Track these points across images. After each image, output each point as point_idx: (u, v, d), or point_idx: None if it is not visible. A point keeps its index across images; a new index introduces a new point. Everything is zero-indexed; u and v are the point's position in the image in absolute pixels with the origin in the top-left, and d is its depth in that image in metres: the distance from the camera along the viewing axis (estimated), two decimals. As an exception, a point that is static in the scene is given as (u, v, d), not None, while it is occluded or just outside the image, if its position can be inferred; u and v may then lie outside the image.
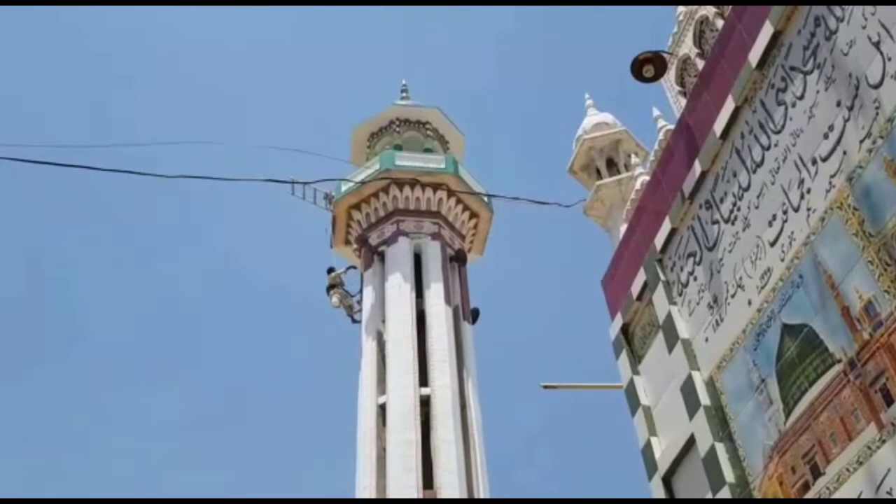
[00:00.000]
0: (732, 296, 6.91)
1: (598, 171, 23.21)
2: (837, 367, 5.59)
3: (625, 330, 8.87)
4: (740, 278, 6.81)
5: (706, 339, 7.25)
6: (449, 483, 19.53)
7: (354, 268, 25.75)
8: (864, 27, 5.45)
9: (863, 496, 5.27)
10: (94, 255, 65.95)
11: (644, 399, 8.32)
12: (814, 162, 5.96)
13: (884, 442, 5.13)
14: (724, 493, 6.62)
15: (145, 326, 64.41)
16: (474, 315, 24.86)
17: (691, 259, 7.62)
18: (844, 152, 5.62)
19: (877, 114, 5.30)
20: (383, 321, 23.08)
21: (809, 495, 5.80)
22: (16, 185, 58.79)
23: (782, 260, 6.26)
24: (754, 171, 6.70)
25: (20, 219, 61.23)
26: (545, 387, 14.87)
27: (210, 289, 65.95)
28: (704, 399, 7.07)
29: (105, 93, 63.31)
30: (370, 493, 19.83)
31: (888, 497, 5.05)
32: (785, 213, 6.28)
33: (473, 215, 26.50)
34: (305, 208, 25.49)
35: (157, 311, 63.43)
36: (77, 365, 63.46)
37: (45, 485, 50.57)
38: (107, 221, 64.72)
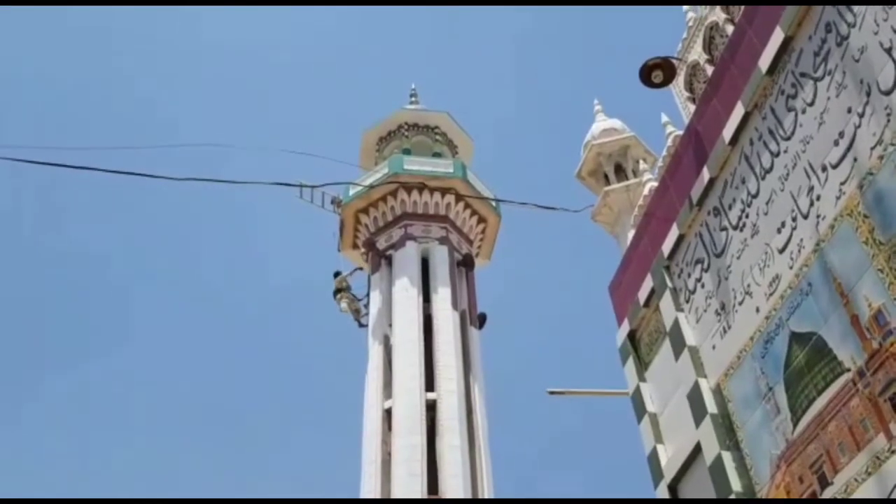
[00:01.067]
0: (740, 303, 6.85)
1: (607, 177, 23.22)
2: (846, 376, 5.53)
3: (631, 336, 8.82)
4: (748, 285, 6.75)
5: (713, 347, 7.20)
6: (454, 488, 19.46)
7: (361, 269, 25.71)
8: (875, 33, 5.40)
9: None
10: (101, 254, 66.23)
11: (650, 406, 8.27)
12: (824, 169, 5.90)
13: (893, 452, 5.07)
14: (731, 502, 6.57)
15: (149, 327, 64.61)
16: (481, 320, 24.79)
17: (699, 266, 7.57)
18: (855, 159, 5.56)
19: (888, 120, 5.25)
20: (390, 325, 23.04)
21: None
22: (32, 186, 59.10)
23: (791, 267, 6.21)
24: (763, 178, 6.65)
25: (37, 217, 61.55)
26: (551, 393, 14.83)
27: (216, 290, 66.13)
28: (711, 407, 7.02)
29: (123, 92, 63.72)
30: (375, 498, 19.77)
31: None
32: (794, 220, 6.22)
33: (481, 220, 26.47)
34: (313, 211, 25.54)
35: (161, 312, 63.59)
36: (83, 366, 63.74)
37: (46, 484, 50.86)
38: (115, 222, 65.02)
